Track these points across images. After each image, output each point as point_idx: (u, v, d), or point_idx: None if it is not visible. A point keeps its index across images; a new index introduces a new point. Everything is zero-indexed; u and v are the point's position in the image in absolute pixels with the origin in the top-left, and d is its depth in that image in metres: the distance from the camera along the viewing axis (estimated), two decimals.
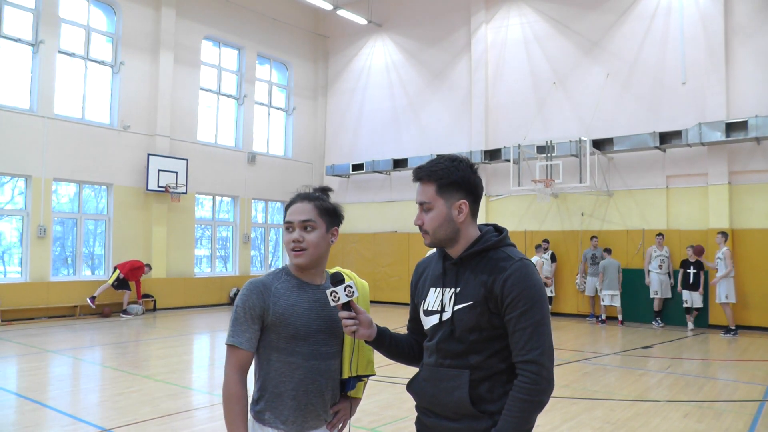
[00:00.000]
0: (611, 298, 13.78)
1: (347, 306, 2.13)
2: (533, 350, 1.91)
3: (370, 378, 2.66)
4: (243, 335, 2.14)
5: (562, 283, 15.15)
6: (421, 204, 2.09)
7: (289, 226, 2.22)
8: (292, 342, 2.17)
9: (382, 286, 18.27)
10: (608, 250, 14.11)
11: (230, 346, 2.17)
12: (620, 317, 13.87)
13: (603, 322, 13.99)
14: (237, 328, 2.16)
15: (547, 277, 14.39)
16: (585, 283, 14.38)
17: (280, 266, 2.43)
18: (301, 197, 2.24)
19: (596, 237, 14.48)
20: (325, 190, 2.33)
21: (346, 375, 2.32)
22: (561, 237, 15.46)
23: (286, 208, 2.26)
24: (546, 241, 14.86)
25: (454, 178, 2.05)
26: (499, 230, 2.15)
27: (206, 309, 16.71)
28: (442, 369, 2.06)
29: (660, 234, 13.64)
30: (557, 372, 7.78)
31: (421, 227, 2.10)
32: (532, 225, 16.02)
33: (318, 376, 2.21)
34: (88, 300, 14.24)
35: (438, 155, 2.13)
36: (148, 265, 15.20)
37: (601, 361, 9.44)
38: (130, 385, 7.49)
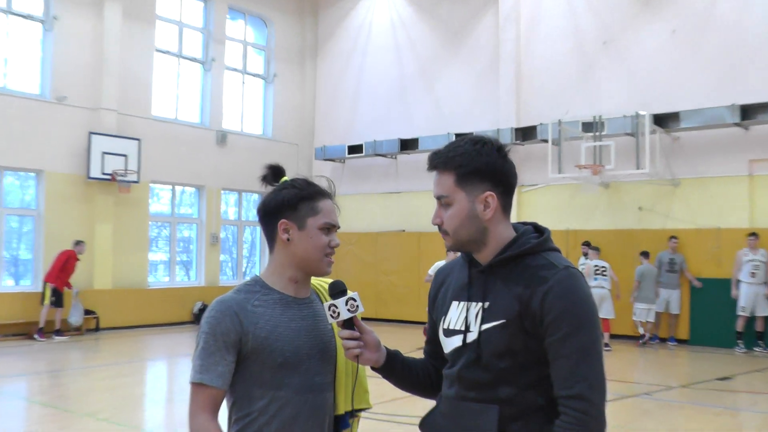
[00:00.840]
0: (647, 313, 14.18)
1: (350, 323, 2.20)
2: (580, 382, 1.94)
3: (368, 415, 2.79)
4: (214, 369, 2.18)
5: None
6: (438, 198, 2.15)
7: (331, 227, 2.35)
8: (280, 372, 2.22)
9: (386, 300, 18.26)
10: (645, 254, 14.32)
11: (198, 385, 2.18)
12: (647, 334, 14.46)
13: (652, 340, 14.41)
14: (206, 361, 2.18)
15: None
16: (658, 296, 14.41)
17: (251, 277, 2.44)
18: (328, 194, 2.39)
19: (676, 237, 14.49)
20: (278, 173, 2.47)
21: (341, 410, 2.36)
22: (612, 238, 15.36)
23: (307, 198, 2.34)
24: (589, 244, 14.67)
25: (476, 164, 2.09)
26: (539, 231, 2.20)
27: (163, 329, 16.74)
28: (465, 403, 2.09)
29: (753, 234, 13.55)
30: (608, 410, 7.73)
31: (440, 227, 2.16)
32: (576, 222, 15.98)
33: (313, 413, 2.26)
34: (36, 336, 14.24)
35: (457, 136, 2.16)
36: (79, 242, 14.85)
37: (665, 395, 9.42)
38: (64, 426, 7.47)
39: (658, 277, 14.34)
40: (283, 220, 2.32)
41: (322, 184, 2.43)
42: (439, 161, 2.14)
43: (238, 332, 2.19)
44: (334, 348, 2.36)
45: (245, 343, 2.20)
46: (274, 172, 2.45)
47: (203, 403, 2.17)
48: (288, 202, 2.32)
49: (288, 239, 2.31)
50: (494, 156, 2.11)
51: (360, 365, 2.31)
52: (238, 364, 2.23)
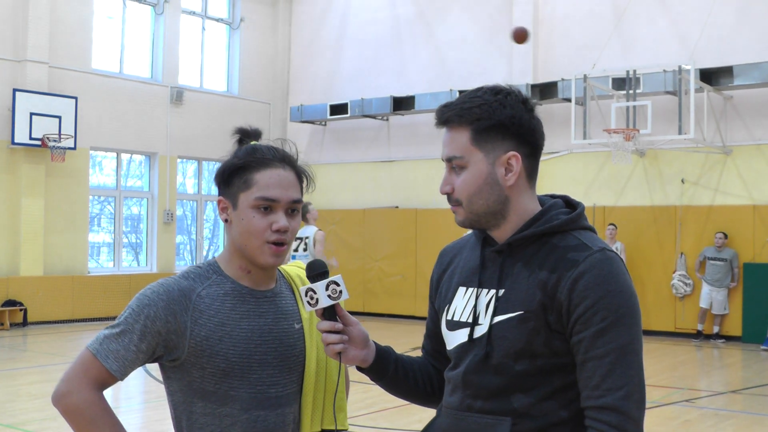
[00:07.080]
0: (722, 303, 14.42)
1: (331, 313, 2.16)
2: (614, 391, 1.93)
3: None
4: (115, 351, 2.17)
5: (652, 285, 15.16)
6: (449, 160, 2.13)
7: (269, 204, 2.24)
8: (224, 381, 2.22)
9: (377, 291, 18.31)
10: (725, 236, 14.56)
11: (91, 355, 2.16)
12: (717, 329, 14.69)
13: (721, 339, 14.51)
14: (115, 338, 2.18)
15: None
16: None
17: (205, 261, 2.39)
18: (279, 159, 2.30)
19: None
20: (256, 135, 2.40)
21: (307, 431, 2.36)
22: (650, 216, 15.48)
23: (241, 168, 2.27)
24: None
25: (499, 118, 2.07)
26: (571, 205, 2.20)
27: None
28: (471, 415, 2.09)
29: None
30: (644, 419, 8.25)
31: (450, 196, 2.14)
32: (606, 197, 16.11)
33: None
34: None
35: (470, 90, 2.13)
36: None
37: (712, 402, 9.47)
38: None
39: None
40: (220, 198, 2.30)
41: (290, 149, 2.36)
42: (452, 114, 2.11)
43: (167, 325, 2.18)
44: (301, 353, 2.33)
45: (180, 342, 2.19)
46: (242, 137, 2.38)
47: (93, 378, 2.16)
48: (221, 176, 2.29)
49: (227, 220, 2.30)
50: (519, 109, 2.09)
51: (341, 373, 2.30)
52: (179, 370, 2.23)
